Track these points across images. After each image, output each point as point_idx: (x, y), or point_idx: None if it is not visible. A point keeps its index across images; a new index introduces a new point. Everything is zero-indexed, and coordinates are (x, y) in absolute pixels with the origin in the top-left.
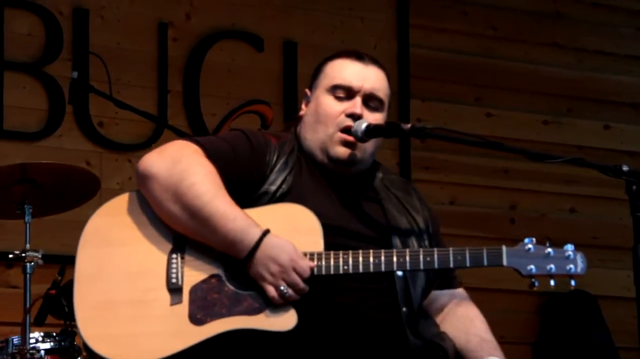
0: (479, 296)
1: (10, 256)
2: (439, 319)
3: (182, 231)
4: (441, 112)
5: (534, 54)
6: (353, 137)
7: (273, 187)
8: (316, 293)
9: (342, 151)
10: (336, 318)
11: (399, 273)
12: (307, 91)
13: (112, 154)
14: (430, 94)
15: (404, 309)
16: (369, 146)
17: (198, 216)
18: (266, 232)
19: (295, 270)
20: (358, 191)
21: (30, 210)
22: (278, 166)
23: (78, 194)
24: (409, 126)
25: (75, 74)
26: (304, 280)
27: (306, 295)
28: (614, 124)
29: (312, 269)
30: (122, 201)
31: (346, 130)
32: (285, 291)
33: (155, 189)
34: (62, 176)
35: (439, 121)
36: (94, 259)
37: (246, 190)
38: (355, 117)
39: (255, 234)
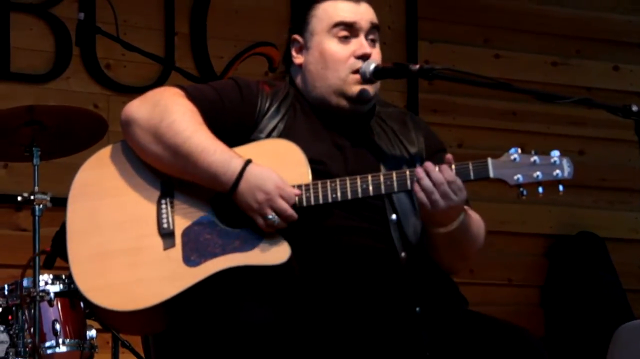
0: (486, 239)
1: (19, 198)
2: None
3: (167, 171)
4: (449, 54)
5: None
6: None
7: (262, 135)
8: (309, 226)
9: (358, 89)
10: (332, 252)
11: (393, 217)
12: (297, 37)
13: (120, 96)
14: (438, 35)
15: (402, 254)
16: (378, 82)
17: (180, 154)
18: (248, 161)
19: (282, 197)
20: (353, 132)
21: (39, 152)
22: (270, 112)
23: (86, 136)
24: (417, 66)
25: (81, 16)
26: (292, 207)
27: (299, 228)
28: (623, 65)
29: (297, 196)
30: (106, 153)
31: (358, 71)
32: (273, 218)
33: (137, 133)
34: (69, 119)
35: (447, 62)
36: (84, 213)
37: (235, 137)
38: (365, 57)
39: (237, 165)
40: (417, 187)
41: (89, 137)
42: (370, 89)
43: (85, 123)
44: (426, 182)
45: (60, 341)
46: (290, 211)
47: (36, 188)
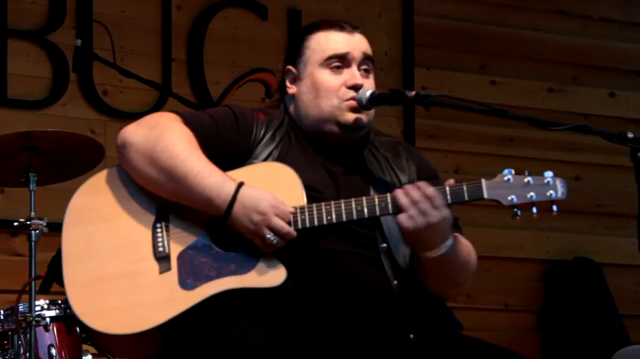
0: (483, 264)
1: (15, 224)
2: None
3: (161, 194)
4: (446, 80)
5: (539, 21)
6: (357, 105)
7: (257, 161)
8: (303, 249)
9: (352, 117)
10: (327, 276)
11: (383, 246)
12: (290, 67)
13: (117, 122)
14: (434, 62)
15: (394, 282)
16: (372, 110)
17: (174, 176)
18: (241, 184)
19: (277, 215)
20: (347, 160)
21: (35, 178)
22: (265, 140)
23: (82, 162)
24: (413, 93)
25: (79, 42)
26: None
27: (293, 250)
28: (620, 91)
29: (293, 214)
30: (101, 178)
31: (349, 99)
32: (271, 238)
33: (133, 156)
34: (66, 144)
35: (443, 89)
36: (79, 237)
37: (230, 164)
38: (357, 87)
39: (230, 188)
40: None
41: (85, 163)
42: (364, 116)
43: (82, 149)
44: (403, 200)
45: None
46: (288, 229)
47: (32, 213)
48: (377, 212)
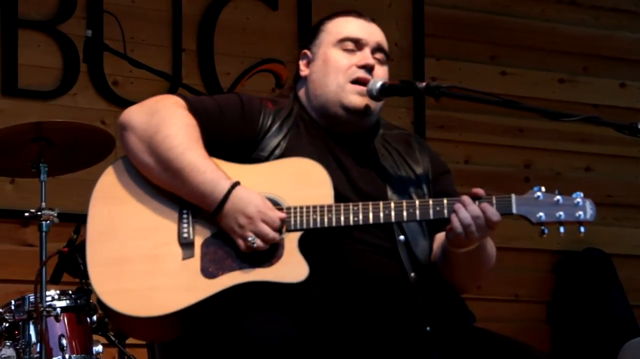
0: None
1: (26, 214)
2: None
3: (156, 182)
4: (456, 70)
5: (550, 12)
6: (367, 95)
7: (264, 154)
8: (327, 245)
9: (356, 100)
10: (347, 270)
11: (401, 238)
12: (306, 51)
13: None
14: (445, 52)
15: (412, 274)
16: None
17: (170, 168)
18: (235, 184)
19: (264, 221)
20: (358, 152)
21: (46, 169)
22: (272, 131)
23: (93, 153)
24: (423, 84)
25: (89, 33)
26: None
27: (316, 246)
28: (630, 82)
29: (282, 219)
30: None
31: (357, 81)
32: (252, 240)
33: (132, 140)
34: (77, 135)
35: (453, 79)
36: (105, 216)
37: (236, 151)
38: (368, 68)
39: (224, 187)
40: (454, 218)
41: (96, 153)
42: (369, 102)
43: (92, 140)
44: (464, 214)
45: (67, 356)
46: (273, 235)
47: (43, 204)
48: (404, 218)
